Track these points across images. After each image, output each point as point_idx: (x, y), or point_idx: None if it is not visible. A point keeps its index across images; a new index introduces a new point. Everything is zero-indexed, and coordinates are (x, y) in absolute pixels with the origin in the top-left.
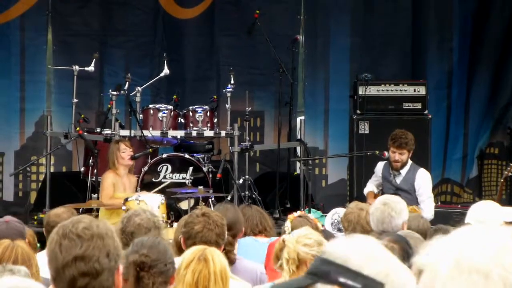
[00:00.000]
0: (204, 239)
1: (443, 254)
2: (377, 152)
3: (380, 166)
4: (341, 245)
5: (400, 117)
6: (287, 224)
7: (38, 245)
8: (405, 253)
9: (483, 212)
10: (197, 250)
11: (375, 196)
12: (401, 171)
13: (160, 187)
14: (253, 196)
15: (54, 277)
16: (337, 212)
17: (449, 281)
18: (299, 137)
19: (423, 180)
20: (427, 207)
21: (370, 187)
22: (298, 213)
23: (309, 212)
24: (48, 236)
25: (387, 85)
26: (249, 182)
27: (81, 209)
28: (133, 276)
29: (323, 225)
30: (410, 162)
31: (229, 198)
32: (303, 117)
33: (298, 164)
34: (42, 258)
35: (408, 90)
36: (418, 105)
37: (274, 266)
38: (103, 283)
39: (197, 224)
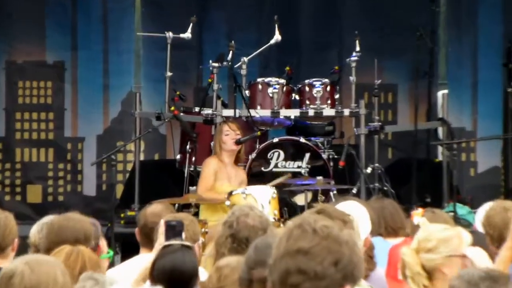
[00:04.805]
0: None
1: None
2: None
3: None
4: None
5: None
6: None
7: (111, 253)
8: None
9: None
10: None
11: None
12: None
13: (277, 181)
14: (385, 188)
15: (271, 267)
16: None
17: None
18: (440, 116)
19: None
20: None
21: None
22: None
23: (454, 207)
24: (143, 238)
25: None
26: (379, 171)
27: (176, 205)
28: None
29: (473, 224)
30: None
31: (354, 191)
32: (446, 91)
33: (440, 148)
34: (116, 271)
35: None
36: None
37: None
38: None
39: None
